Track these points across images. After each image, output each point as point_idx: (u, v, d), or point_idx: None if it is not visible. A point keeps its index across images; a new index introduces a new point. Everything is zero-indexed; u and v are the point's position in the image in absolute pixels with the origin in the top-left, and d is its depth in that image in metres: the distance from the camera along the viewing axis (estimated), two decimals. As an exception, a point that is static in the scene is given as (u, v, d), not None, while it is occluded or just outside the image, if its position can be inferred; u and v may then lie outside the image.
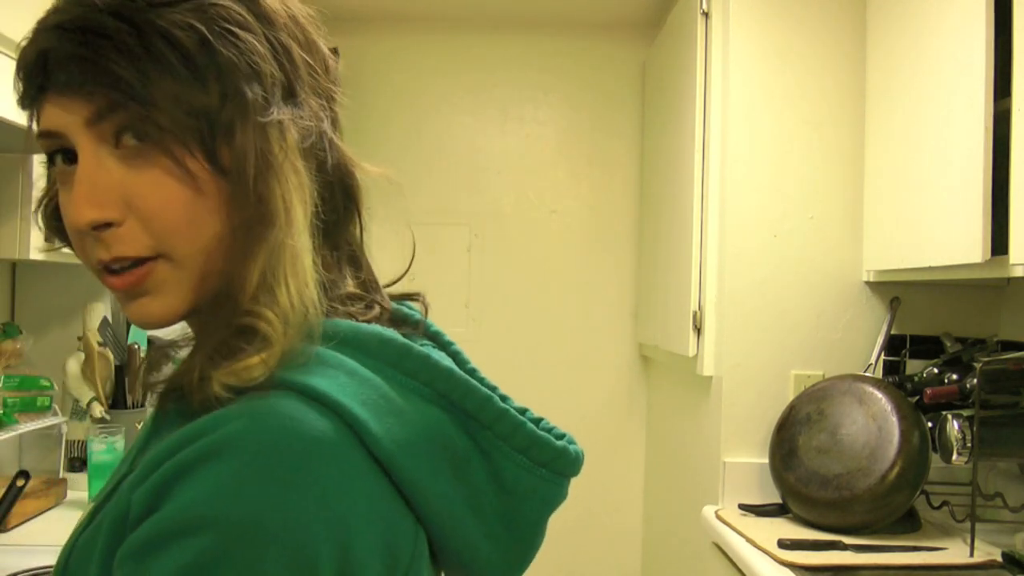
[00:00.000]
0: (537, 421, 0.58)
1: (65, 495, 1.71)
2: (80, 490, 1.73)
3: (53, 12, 0.49)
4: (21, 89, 0.51)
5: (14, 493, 1.46)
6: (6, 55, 1.23)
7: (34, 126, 0.52)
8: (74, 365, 1.78)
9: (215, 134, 0.49)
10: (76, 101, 0.48)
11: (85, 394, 1.76)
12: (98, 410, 1.74)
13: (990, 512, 1.68)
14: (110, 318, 1.88)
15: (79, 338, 1.82)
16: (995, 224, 1.34)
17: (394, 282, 0.65)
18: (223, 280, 0.51)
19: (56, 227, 0.56)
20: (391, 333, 0.52)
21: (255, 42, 0.50)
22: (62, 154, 0.50)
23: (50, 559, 0.81)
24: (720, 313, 1.86)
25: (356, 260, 0.60)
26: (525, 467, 0.54)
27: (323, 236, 0.54)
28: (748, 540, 1.56)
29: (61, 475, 1.79)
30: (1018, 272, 1.28)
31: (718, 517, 1.74)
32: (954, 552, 1.50)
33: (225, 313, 0.50)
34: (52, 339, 1.91)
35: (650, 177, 2.57)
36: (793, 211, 1.84)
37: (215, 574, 0.40)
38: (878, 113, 1.78)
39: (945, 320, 1.82)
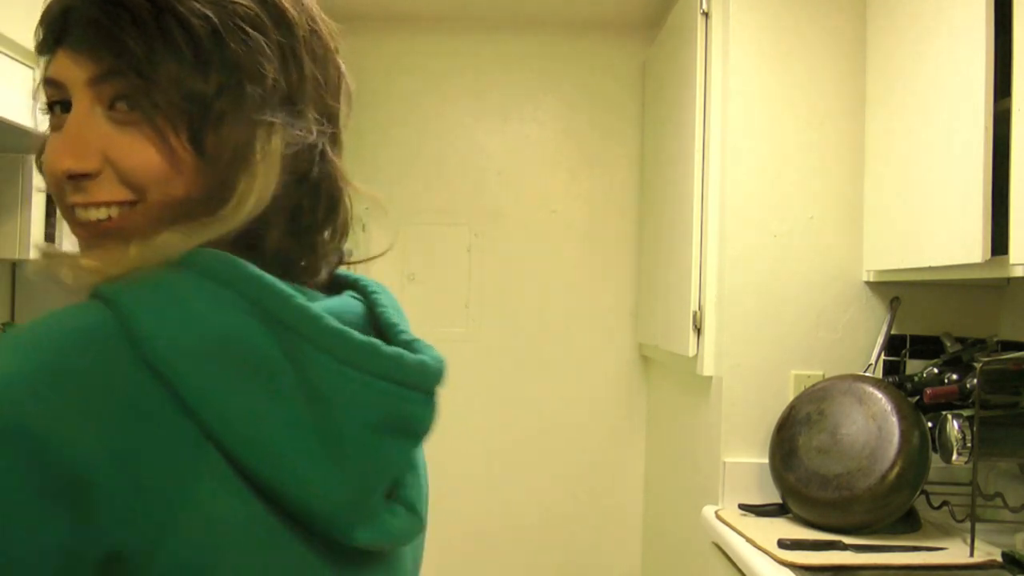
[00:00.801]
0: (409, 343, 0.56)
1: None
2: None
3: None
4: (40, 37, 0.53)
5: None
6: (6, 55, 1.23)
7: (42, 72, 0.54)
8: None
9: (204, 121, 0.51)
10: (84, 59, 0.50)
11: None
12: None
13: (990, 512, 1.68)
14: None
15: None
16: (995, 224, 1.34)
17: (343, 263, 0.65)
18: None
19: None
20: (223, 252, 0.50)
21: (265, 44, 0.52)
22: (60, 105, 0.53)
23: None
24: (720, 313, 1.86)
25: (324, 262, 0.61)
26: (329, 368, 0.48)
27: (296, 237, 0.56)
28: (748, 540, 1.56)
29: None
30: (1018, 272, 1.28)
31: (718, 517, 1.74)
32: (954, 552, 1.50)
33: None
34: (52, 339, 1.90)
35: (650, 177, 2.57)
36: (793, 211, 1.84)
37: None
38: (878, 113, 1.78)
39: (945, 320, 1.82)
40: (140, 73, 0.49)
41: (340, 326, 0.49)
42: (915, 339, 1.83)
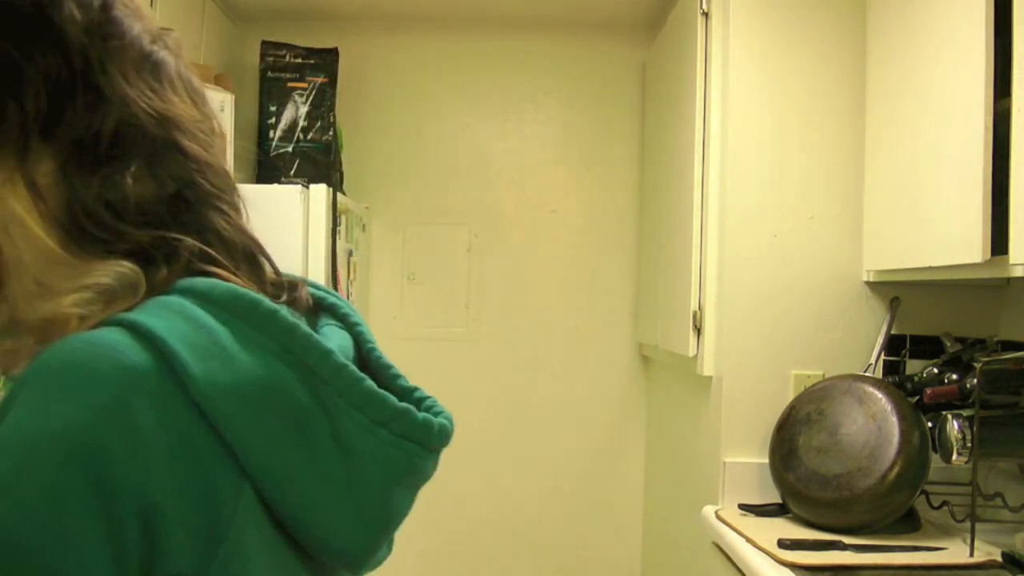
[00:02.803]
0: (421, 400, 0.58)
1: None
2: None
3: None
4: None
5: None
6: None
7: None
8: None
9: None
10: None
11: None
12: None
13: (990, 512, 1.68)
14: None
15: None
16: (995, 224, 1.34)
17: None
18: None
19: None
20: (245, 290, 0.50)
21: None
22: None
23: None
24: (720, 313, 1.86)
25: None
26: (363, 425, 0.51)
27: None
28: (748, 540, 1.56)
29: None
30: (1018, 272, 1.28)
31: (718, 517, 1.74)
32: (954, 552, 1.50)
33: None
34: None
35: (650, 177, 2.57)
36: (793, 211, 1.84)
37: (15, 492, 0.39)
38: (878, 113, 1.78)
39: (945, 320, 1.82)
40: None
41: (374, 388, 0.52)
42: (915, 339, 1.83)
